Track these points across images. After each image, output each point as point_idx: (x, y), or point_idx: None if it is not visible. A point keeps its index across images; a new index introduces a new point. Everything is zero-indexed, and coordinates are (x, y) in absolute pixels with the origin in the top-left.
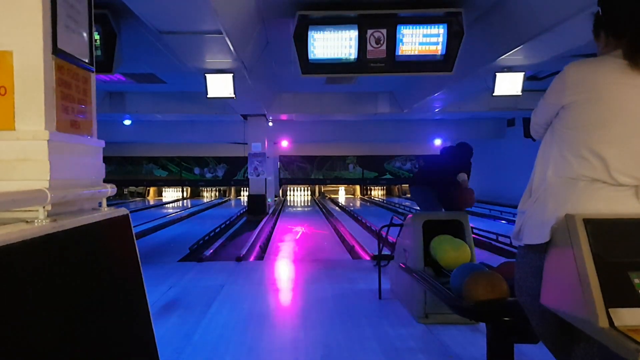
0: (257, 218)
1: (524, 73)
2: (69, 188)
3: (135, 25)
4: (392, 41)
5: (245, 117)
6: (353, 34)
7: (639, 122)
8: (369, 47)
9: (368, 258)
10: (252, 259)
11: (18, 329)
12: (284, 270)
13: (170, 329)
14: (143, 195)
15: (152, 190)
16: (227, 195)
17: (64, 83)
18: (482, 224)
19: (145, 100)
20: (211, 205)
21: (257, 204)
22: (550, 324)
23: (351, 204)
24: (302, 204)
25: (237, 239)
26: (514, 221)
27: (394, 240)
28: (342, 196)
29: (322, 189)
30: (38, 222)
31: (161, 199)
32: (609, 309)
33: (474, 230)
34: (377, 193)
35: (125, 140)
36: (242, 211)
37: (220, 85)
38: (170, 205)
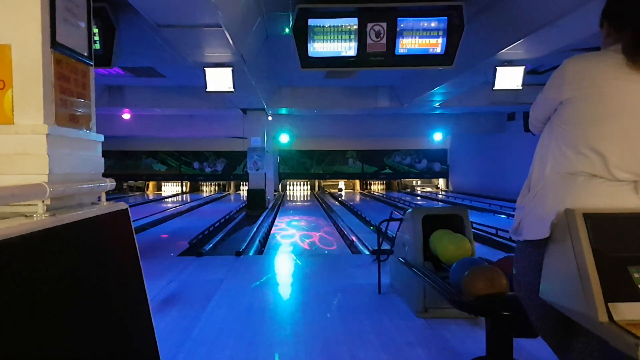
0: (256, 212)
1: (524, 67)
2: (68, 182)
3: (134, 19)
4: (392, 35)
5: (244, 111)
6: (353, 27)
7: (637, 118)
8: (369, 41)
9: (368, 252)
10: (251, 253)
11: (17, 323)
12: (283, 265)
13: (169, 323)
14: (142, 189)
15: (151, 184)
16: (226, 189)
17: (62, 77)
18: (481, 218)
19: (144, 94)
20: (210, 200)
21: (256, 199)
22: (549, 319)
23: (351, 199)
24: (302, 199)
25: (237, 233)
26: (513, 215)
27: (394, 235)
28: (341, 191)
29: (322, 184)
30: (37, 216)
31: (160, 194)
32: (608, 304)
33: (474, 225)
34: (377, 188)
35: (124, 135)
36: (241, 206)
37: (219, 79)
38: (170, 199)
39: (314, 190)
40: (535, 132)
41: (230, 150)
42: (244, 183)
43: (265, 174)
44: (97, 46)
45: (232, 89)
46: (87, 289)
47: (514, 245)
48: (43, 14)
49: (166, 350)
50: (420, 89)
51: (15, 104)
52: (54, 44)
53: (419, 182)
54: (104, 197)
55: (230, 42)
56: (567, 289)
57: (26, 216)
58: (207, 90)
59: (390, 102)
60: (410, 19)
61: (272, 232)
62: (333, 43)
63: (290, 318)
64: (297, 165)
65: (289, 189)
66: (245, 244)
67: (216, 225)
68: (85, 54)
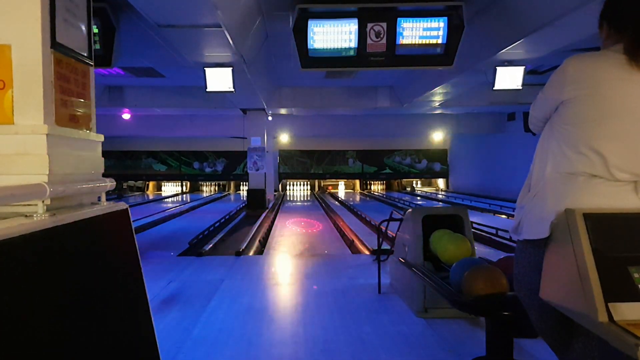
0: (256, 212)
1: (524, 67)
2: (68, 182)
3: (134, 19)
4: (392, 35)
5: (244, 111)
6: (353, 27)
7: (638, 118)
8: (369, 41)
9: (368, 253)
10: (251, 253)
11: (17, 323)
12: (283, 265)
13: (169, 323)
14: (142, 189)
15: (151, 184)
16: (226, 189)
17: (62, 77)
18: (481, 218)
19: (144, 94)
20: (210, 200)
21: (256, 199)
22: (549, 319)
23: (351, 199)
24: (302, 199)
25: (237, 233)
26: (513, 216)
27: (394, 235)
28: (341, 191)
29: (322, 184)
30: (37, 216)
31: (160, 194)
32: (609, 304)
33: (474, 225)
34: (377, 188)
35: (124, 135)
36: (241, 206)
37: (219, 79)
38: (170, 199)
39: (314, 190)
40: (535, 131)
41: (230, 150)
42: (244, 183)
43: (265, 174)
44: (97, 46)
45: (232, 89)
46: (87, 289)
47: (514, 245)
48: (43, 14)
49: (166, 350)
50: (420, 89)
51: (15, 104)
52: (54, 44)
53: (418, 184)
54: (104, 197)
55: (230, 42)
56: (567, 289)
57: (26, 216)
58: (207, 90)
59: (390, 102)
60: (410, 19)
61: (272, 232)
62: (333, 43)
63: (290, 318)
64: (297, 165)
65: (289, 189)
66: (245, 244)
67: (216, 225)
68: (85, 54)
